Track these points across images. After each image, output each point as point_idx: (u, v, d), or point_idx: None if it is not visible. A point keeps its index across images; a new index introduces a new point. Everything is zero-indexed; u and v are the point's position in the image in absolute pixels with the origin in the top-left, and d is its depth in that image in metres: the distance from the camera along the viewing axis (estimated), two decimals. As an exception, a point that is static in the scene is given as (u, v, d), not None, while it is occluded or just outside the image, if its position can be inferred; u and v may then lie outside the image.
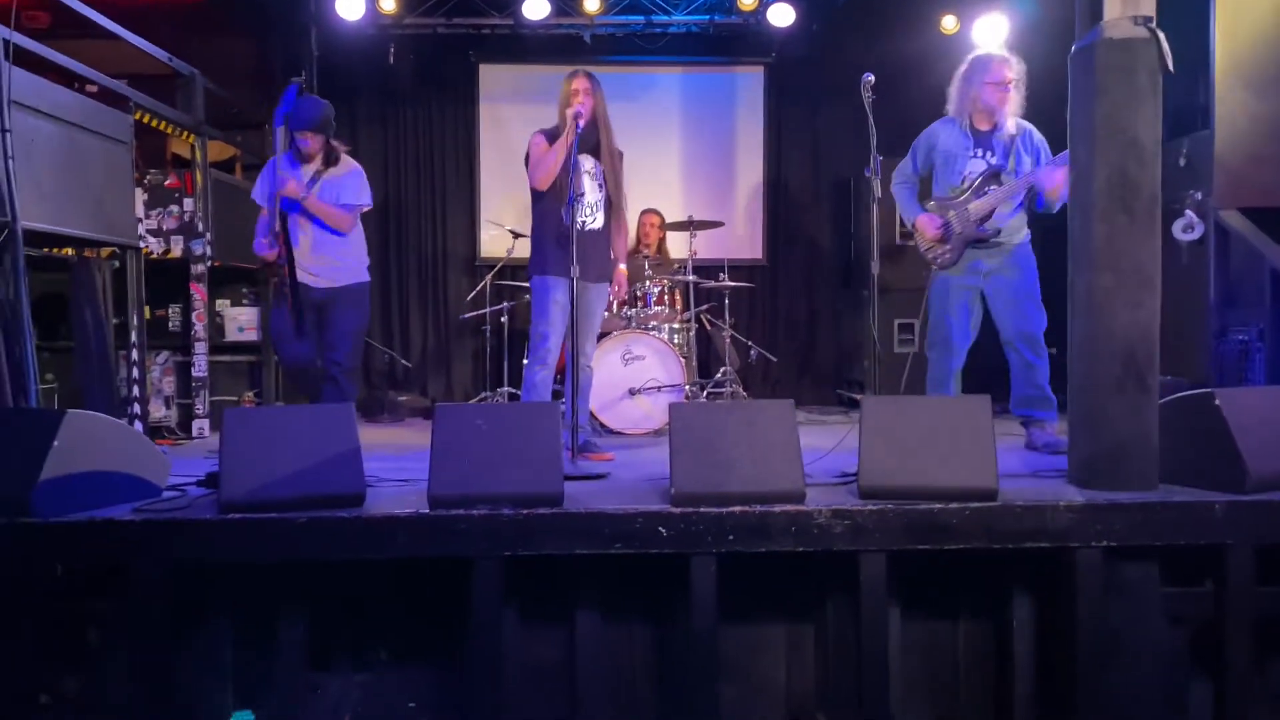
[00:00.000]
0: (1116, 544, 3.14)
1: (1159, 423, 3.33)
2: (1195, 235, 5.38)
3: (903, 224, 6.75)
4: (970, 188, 4.54)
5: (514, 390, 6.25)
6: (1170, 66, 3.29)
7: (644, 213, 6.78)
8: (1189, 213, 5.39)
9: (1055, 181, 4.37)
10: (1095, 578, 3.16)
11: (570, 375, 4.32)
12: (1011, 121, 4.59)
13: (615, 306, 5.90)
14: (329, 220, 4.52)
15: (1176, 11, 3.56)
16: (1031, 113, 7.05)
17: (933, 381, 4.64)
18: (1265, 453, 3.24)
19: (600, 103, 4.40)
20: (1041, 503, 3.14)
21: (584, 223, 4.32)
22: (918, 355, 6.78)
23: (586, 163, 4.42)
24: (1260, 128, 5.25)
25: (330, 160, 4.58)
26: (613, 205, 4.53)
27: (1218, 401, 3.28)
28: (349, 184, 4.58)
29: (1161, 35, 3.29)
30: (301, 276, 4.49)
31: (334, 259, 4.56)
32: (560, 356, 4.59)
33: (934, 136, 4.72)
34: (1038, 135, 4.65)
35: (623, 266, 4.82)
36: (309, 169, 4.55)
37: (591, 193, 4.40)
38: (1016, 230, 4.58)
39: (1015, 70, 4.55)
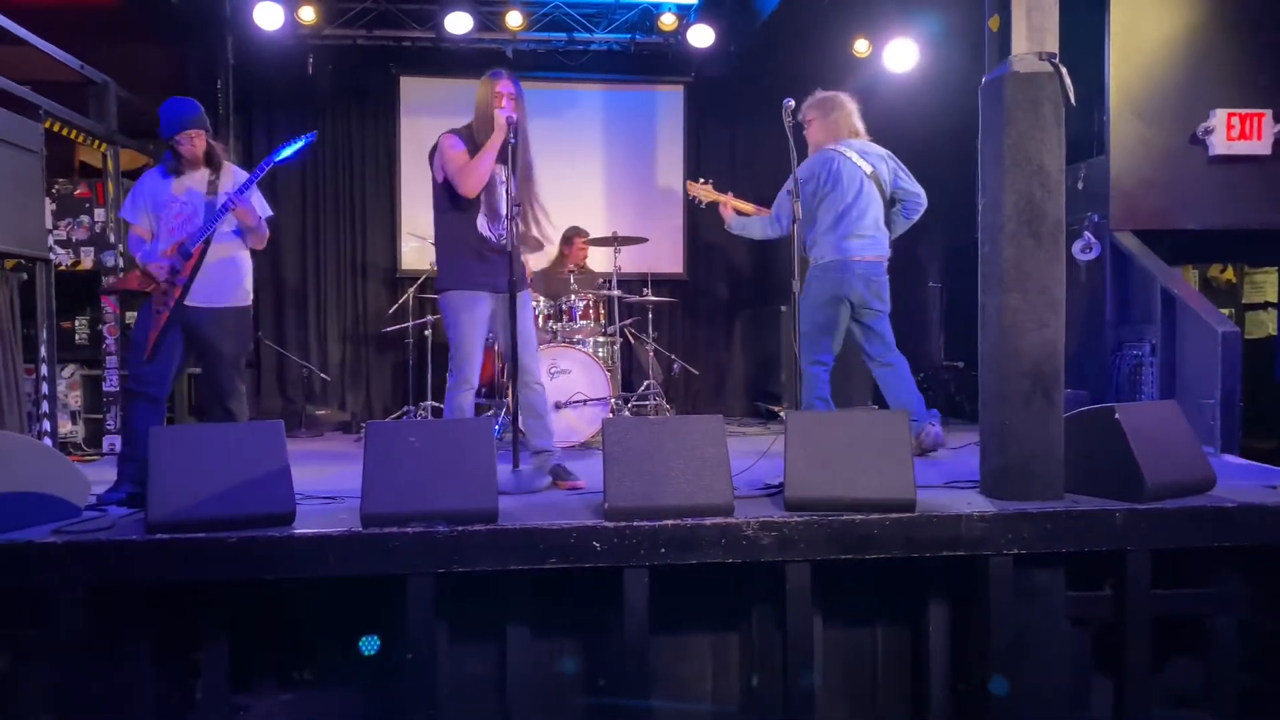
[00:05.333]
0: (1026, 551, 3.30)
1: (1064, 436, 3.52)
2: (1093, 255, 5.67)
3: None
4: None
5: (437, 404, 6.23)
6: (1072, 99, 3.49)
7: (575, 232, 6.81)
8: (1087, 234, 5.68)
9: None
10: (1006, 583, 3.32)
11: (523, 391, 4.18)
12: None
13: (541, 320, 5.94)
14: (255, 239, 4.13)
15: (1073, 44, 3.77)
16: (938, 137, 7.35)
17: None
18: (1160, 464, 3.45)
19: (523, 110, 4.10)
20: (956, 513, 3.29)
21: (500, 236, 4.12)
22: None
23: (501, 173, 4.11)
24: (1151, 154, 5.57)
25: (215, 164, 4.08)
26: (525, 217, 4.21)
27: (1118, 416, 3.48)
28: (253, 194, 4.09)
29: (1064, 70, 3.49)
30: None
31: (224, 277, 4.07)
32: (488, 371, 4.51)
33: None
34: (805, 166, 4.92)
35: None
36: (195, 177, 4.06)
37: (504, 204, 4.11)
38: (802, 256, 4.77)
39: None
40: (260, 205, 4.15)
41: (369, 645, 3.29)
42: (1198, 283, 7.14)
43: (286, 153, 4.00)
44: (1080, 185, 5.79)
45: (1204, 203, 5.57)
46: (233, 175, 4.12)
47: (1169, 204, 5.57)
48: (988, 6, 3.68)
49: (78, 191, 5.86)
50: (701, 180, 5.19)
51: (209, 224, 3.94)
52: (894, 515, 3.25)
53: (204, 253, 3.97)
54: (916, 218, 5.09)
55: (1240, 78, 5.55)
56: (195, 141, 4.03)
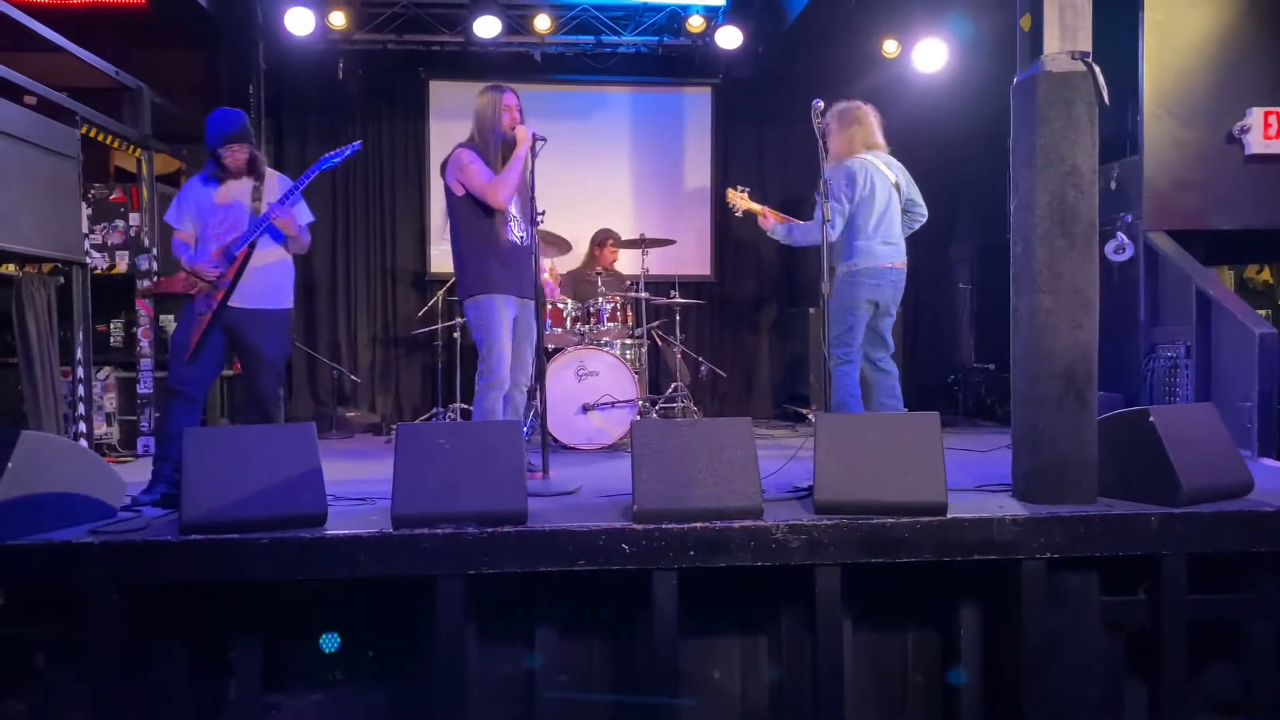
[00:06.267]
0: (1058, 555, 3.27)
1: (1097, 439, 3.48)
2: (1126, 256, 5.61)
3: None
4: None
5: (466, 406, 6.25)
6: (1106, 99, 3.46)
7: (606, 236, 6.81)
8: (1120, 234, 5.61)
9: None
10: (1038, 587, 3.28)
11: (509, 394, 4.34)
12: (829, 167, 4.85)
13: (569, 323, 5.96)
14: (296, 245, 4.19)
15: (1107, 42, 3.73)
16: (968, 137, 7.30)
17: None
18: (1196, 467, 3.41)
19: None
20: (988, 516, 3.26)
21: (522, 238, 4.26)
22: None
23: None
24: (1186, 154, 5.50)
25: (258, 173, 4.15)
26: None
27: (1152, 419, 3.44)
28: (299, 200, 4.13)
29: (1097, 69, 3.46)
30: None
31: (266, 280, 4.12)
32: None
33: None
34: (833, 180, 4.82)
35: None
36: (239, 185, 4.11)
37: (516, 208, 4.30)
38: (831, 260, 4.74)
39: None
40: (303, 213, 4.19)
41: (329, 643, 3.33)
42: (1233, 284, 7.03)
43: (333, 162, 4.08)
44: (1113, 185, 5.73)
45: (1240, 202, 5.50)
46: (276, 183, 4.18)
47: (1204, 204, 5.50)
48: (1019, 5, 3.64)
49: (113, 196, 5.95)
50: (739, 189, 5.17)
51: (252, 230, 4.00)
52: (925, 519, 3.23)
53: (248, 257, 4.02)
54: (916, 229, 5.09)
55: (1278, 75, 5.47)
56: (237, 154, 4.09)
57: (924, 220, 5.07)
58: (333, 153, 4.08)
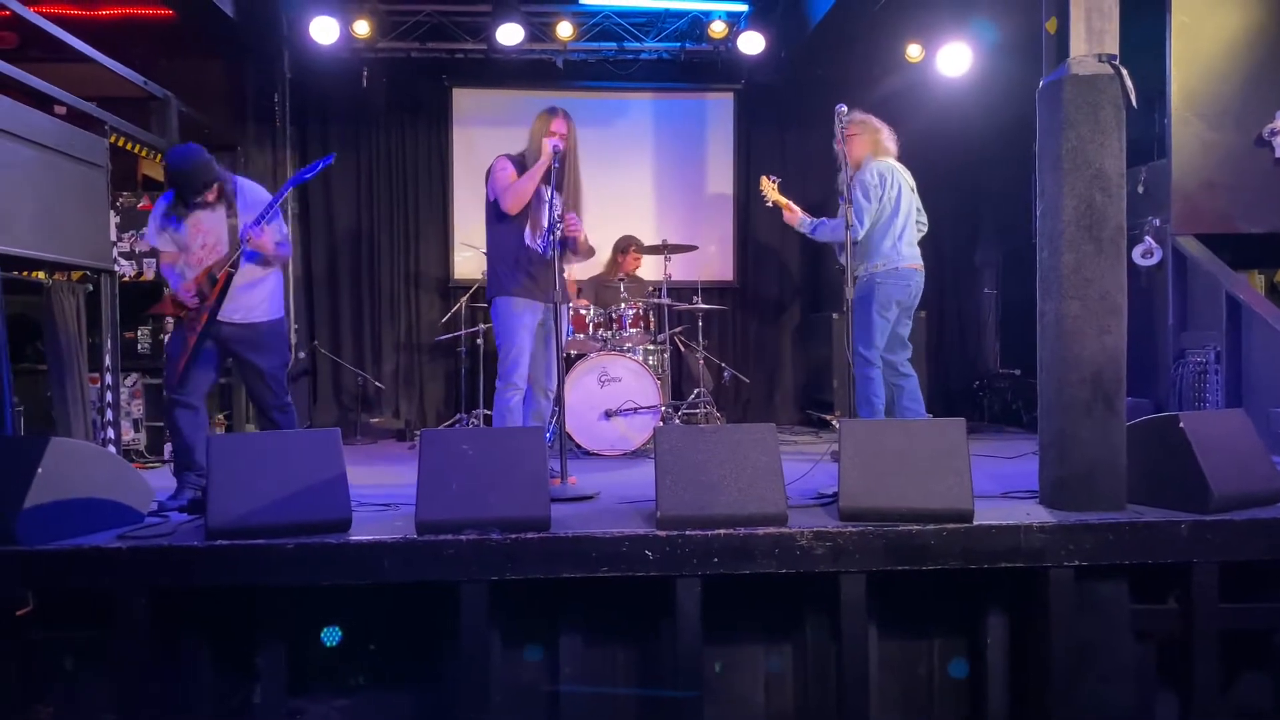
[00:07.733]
0: (1087, 563, 3.23)
1: (1126, 445, 3.44)
2: (1154, 260, 5.55)
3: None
4: None
5: (489, 412, 6.26)
6: (1134, 101, 3.42)
7: (629, 242, 6.80)
8: (1148, 238, 5.56)
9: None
10: (1067, 596, 3.25)
11: (534, 400, 4.41)
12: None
13: (591, 328, 5.96)
14: (275, 262, 4.14)
15: (1133, 45, 3.69)
16: (990, 141, 7.25)
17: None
18: (1227, 474, 3.36)
19: (574, 141, 4.43)
20: (1015, 524, 3.23)
21: (543, 247, 4.35)
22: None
23: (545, 193, 4.38)
24: (1214, 156, 5.44)
25: (226, 197, 4.02)
26: (578, 231, 4.50)
27: (1183, 425, 3.39)
28: (275, 217, 4.05)
29: (1125, 71, 3.42)
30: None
31: (253, 293, 4.08)
32: None
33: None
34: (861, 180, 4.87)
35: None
36: (211, 211, 4.02)
37: (548, 220, 4.36)
38: (853, 263, 4.73)
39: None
40: (276, 229, 4.09)
41: (330, 636, 3.34)
42: (1264, 288, 6.94)
43: (306, 177, 4.12)
44: (1141, 189, 5.68)
45: (1270, 205, 5.44)
46: (249, 195, 4.08)
47: (1233, 207, 5.45)
48: (1045, 8, 3.61)
49: (141, 204, 6.00)
50: (772, 178, 5.19)
51: (233, 250, 3.96)
52: (951, 526, 3.20)
53: (230, 277, 3.96)
54: (919, 237, 5.08)
55: (1307, 78, 5.41)
56: (209, 195, 3.98)
57: (925, 230, 5.08)
58: (305, 168, 4.11)
